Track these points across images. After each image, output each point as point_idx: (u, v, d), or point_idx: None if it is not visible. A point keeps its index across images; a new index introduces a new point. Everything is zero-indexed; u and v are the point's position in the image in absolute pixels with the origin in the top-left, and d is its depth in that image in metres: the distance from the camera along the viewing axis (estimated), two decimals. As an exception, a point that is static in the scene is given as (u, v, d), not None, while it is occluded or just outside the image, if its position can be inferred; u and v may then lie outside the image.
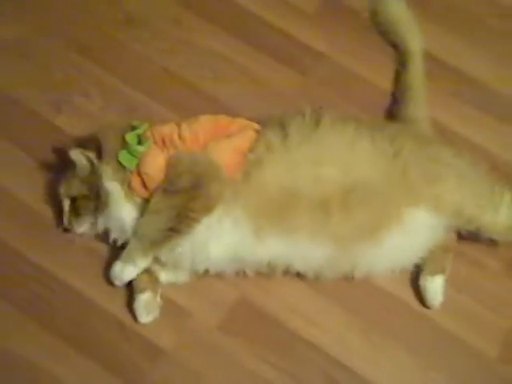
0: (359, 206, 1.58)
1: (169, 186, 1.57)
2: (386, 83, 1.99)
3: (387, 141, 1.65)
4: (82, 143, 1.67)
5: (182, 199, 1.56)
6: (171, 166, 1.59)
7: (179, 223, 1.57)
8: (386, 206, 1.61)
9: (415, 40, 1.99)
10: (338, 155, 1.62)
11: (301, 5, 2.09)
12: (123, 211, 1.62)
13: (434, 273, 1.69)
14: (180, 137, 1.62)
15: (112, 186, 1.62)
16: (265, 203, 1.58)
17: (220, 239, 1.59)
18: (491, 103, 1.97)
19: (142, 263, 1.60)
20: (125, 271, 1.61)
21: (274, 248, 1.60)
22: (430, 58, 1.97)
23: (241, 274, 1.67)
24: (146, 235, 1.58)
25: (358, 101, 1.94)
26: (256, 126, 1.67)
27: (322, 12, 2.09)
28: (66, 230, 1.70)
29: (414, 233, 1.64)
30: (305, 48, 2.03)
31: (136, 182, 1.61)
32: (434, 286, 1.69)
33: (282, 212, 1.58)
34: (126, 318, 1.67)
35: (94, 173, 1.63)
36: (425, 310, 1.71)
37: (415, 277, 1.72)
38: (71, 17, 2.05)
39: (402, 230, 1.62)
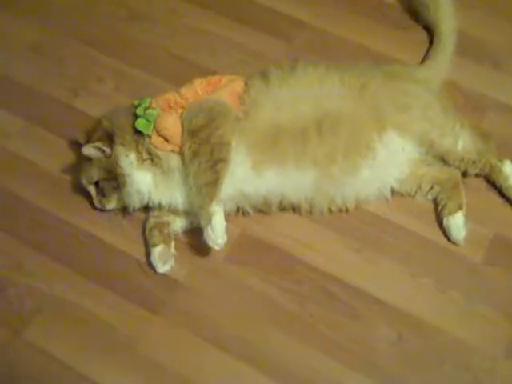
0: (331, 133, 1.78)
1: (190, 126, 1.77)
2: (366, 41, 2.24)
3: (355, 76, 1.86)
4: (91, 135, 1.85)
5: (208, 132, 1.76)
6: (187, 113, 1.80)
7: (220, 152, 1.74)
8: (357, 132, 1.80)
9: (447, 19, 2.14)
10: (309, 92, 1.83)
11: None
12: (139, 179, 1.82)
13: (453, 212, 1.84)
14: (182, 97, 1.85)
15: (127, 160, 1.81)
16: (260, 139, 1.78)
17: (232, 176, 1.77)
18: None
19: (219, 207, 1.72)
20: (215, 226, 1.70)
21: (270, 180, 1.79)
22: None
23: (240, 212, 1.86)
24: (201, 181, 1.73)
25: (339, 59, 2.12)
26: (243, 78, 1.89)
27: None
28: (100, 210, 1.90)
29: (386, 157, 1.82)
30: (287, 18, 2.28)
31: (157, 140, 1.80)
32: (456, 223, 1.83)
33: (272, 145, 1.78)
34: (144, 258, 1.85)
35: (108, 157, 1.82)
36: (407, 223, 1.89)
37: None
38: (79, 17, 2.36)
39: (375, 154, 1.81)
